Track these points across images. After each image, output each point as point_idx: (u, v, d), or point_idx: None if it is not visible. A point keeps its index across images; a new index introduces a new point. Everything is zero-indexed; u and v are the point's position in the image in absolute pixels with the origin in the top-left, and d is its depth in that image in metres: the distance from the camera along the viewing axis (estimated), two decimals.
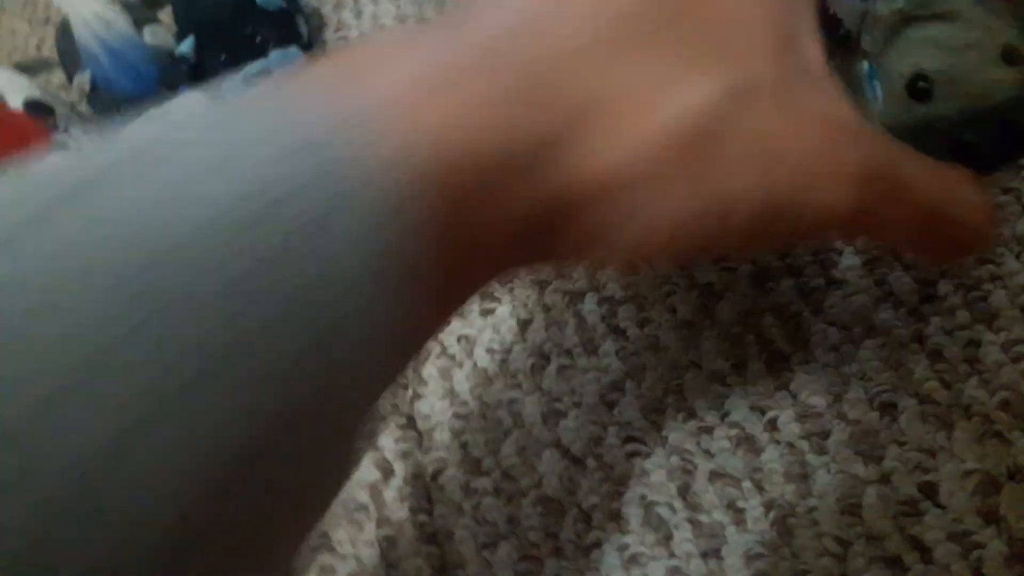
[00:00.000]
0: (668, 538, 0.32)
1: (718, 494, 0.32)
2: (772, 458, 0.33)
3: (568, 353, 0.38)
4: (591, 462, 0.34)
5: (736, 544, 0.31)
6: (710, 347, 0.36)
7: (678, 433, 0.34)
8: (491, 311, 0.40)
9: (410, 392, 0.39)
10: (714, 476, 0.33)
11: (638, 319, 0.37)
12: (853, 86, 0.25)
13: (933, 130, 0.24)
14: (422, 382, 0.39)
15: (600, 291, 0.39)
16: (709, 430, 0.34)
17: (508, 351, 0.39)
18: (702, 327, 0.36)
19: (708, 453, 0.33)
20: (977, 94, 0.24)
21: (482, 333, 0.40)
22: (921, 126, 0.24)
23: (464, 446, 0.37)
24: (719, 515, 0.32)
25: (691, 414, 0.34)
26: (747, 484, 0.32)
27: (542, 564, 0.33)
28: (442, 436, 0.37)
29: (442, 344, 0.40)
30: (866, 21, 0.25)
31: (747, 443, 0.33)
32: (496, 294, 0.41)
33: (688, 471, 0.33)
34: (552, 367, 0.37)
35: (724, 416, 0.34)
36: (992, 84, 0.24)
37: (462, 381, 0.38)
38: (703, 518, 0.32)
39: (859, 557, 0.29)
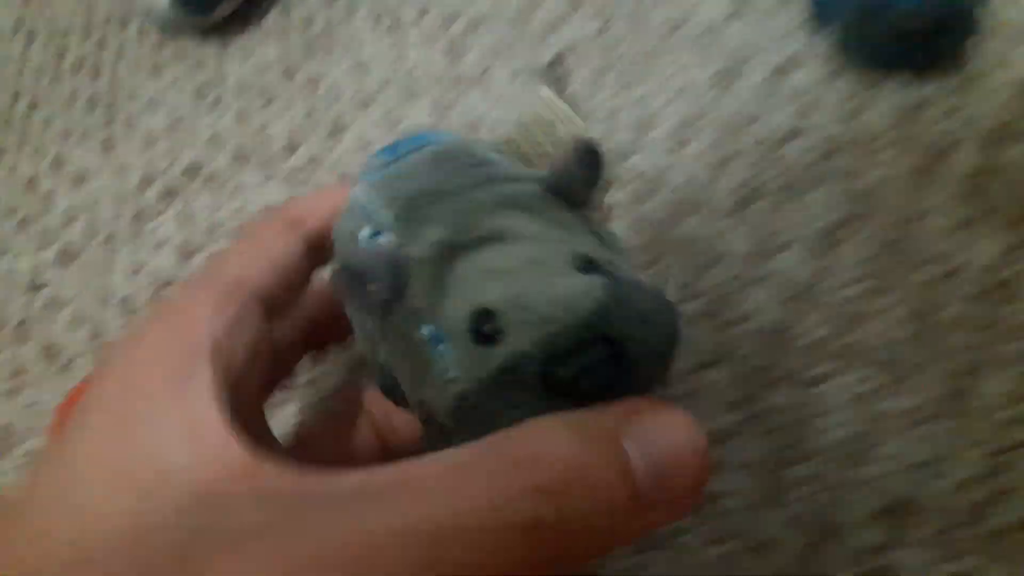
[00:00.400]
0: (903, 379, 0.30)
1: (959, 339, 0.30)
2: (1019, 310, 0.30)
3: (778, 192, 0.35)
4: (814, 298, 0.32)
5: (984, 392, 0.29)
6: (946, 197, 0.33)
7: (916, 275, 0.32)
8: (685, 143, 0.37)
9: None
10: (956, 322, 0.30)
11: (858, 165, 0.35)
12: (417, 363, 0.19)
13: (518, 379, 0.17)
14: (608, 209, 0.36)
15: (811, 134, 0.36)
16: (950, 275, 0.31)
17: (707, 185, 0.36)
18: (935, 176, 0.34)
19: (948, 298, 0.31)
20: (555, 317, 0.17)
21: (675, 166, 0.36)
22: (503, 379, 0.17)
23: (664, 271, 0.34)
24: (962, 359, 0.30)
25: (928, 259, 0.32)
26: (994, 331, 0.30)
27: (762, 391, 0.30)
28: (638, 259, 0.34)
29: (630, 173, 0.37)
30: (404, 270, 0.19)
31: (998, 290, 0.31)
32: (688, 129, 0.37)
33: (925, 314, 0.31)
34: (761, 205, 0.35)
35: (964, 264, 0.32)
36: (569, 298, 0.17)
37: (656, 209, 0.35)
38: (944, 361, 0.30)
39: None
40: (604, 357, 0.17)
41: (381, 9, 0.47)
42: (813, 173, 0.35)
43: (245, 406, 0.20)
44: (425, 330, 0.19)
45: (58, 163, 0.47)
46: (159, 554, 0.15)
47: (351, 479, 0.16)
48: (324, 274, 0.24)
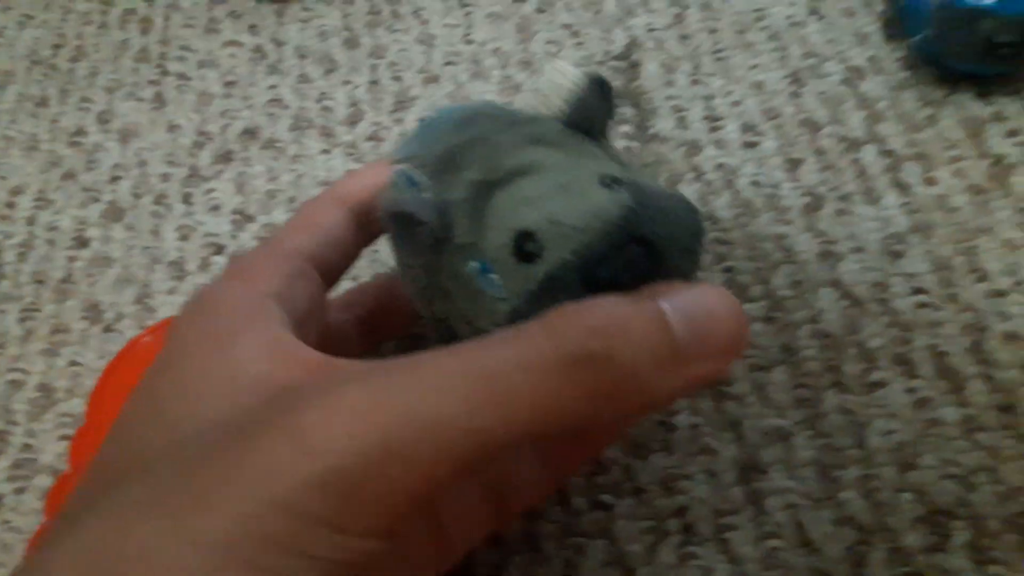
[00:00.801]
0: (960, 388, 0.34)
1: (1012, 355, 0.35)
2: None
3: (845, 199, 0.39)
4: (874, 307, 0.36)
5: None
6: (1004, 217, 0.38)
7: (970, 293, 0.36)
8: (754, 144, 0.42)
9: None
10: (1009, 338, 0.35)
11: (924, 177, 0.39)
12: (469, 296, 0.24)
13: (562, 287, 0.22)
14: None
15: (880, 144, 0.41)
16: (1003, 294, 0.36)
17: (776, 187, 0.40)
18: (994, 195, 0.38)
19: (1002, 315, 0.36)
20: (588, 226, 0.22)
21: (744, 165, 0.41)
22: (548, 289, 0.22)
23: (728, 271, 0.38)
24: (1014, 374, 0.34)
25: (983, 277, 0.36)
26: None
27: (821, 394, 0.35)
28: (703, 258, 0.39)
29: (697, 169, 0.41)
30: (447, 212, 0.24)
31: None
32: (759, 127, 0.42)
33: (980, 329, 0.35)
34: (827, 210, 0.39)
35: (1018, 283, 0.36)
36: (599, 209, 0.22)
37: (722, 208, 0.40)
38: (997, 374, 0.34)
39: None
40: (637, 255, 0.22)
41: None
42: (881, 182, 0.40)
43: None
44: (472, 264, 0.23)
45: (105, 117, 0.51)
46: (250, 421, 0.20)
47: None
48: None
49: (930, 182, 0.39)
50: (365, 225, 0.29)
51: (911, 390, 0.35)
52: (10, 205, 0.49)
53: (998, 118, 0.41)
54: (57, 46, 0.55)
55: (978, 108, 0.41)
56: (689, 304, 0.21)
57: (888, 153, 0.40)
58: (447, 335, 0.26)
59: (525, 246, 0.22)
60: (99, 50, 0.54)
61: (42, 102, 0.53)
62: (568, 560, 0.33)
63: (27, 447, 0.41)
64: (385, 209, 0.25)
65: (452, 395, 0.19)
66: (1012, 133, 0.40)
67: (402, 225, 0.24)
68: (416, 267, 0.26)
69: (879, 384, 0.35)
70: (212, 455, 0.20)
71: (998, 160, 0.39)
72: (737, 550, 0.33)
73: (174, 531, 0.19)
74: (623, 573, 0.33)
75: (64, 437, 0.41)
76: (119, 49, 0.54)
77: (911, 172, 0.39)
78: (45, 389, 0.43)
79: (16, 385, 0.43)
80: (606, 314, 0.20)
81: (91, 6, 0.56)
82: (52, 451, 0.41)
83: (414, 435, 0.19)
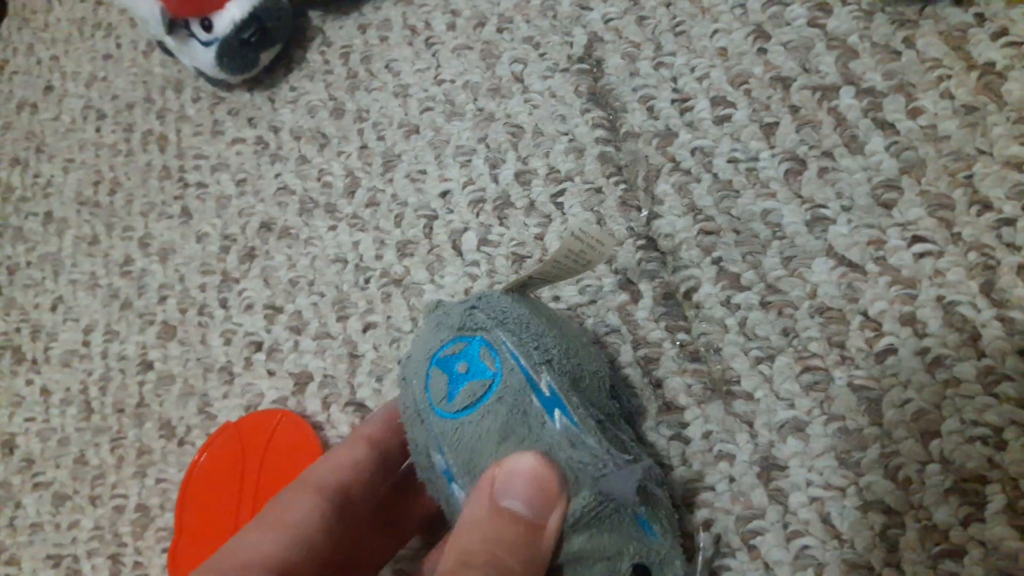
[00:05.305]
0: (975, 338, 0.32)
1: None
2: None
3: (828, 155, 0.37)
4: (872, 267, 0.34)
5: None
6: (1001, 132, 0.34)
7: (973, 228, 0.33)
8: (727, 118, 0.39)
9: (645, 213, 0.39)
10: (1023, 270, 0.32)
11: (908, 109, 0.36)
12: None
13: None
14: (657, 201, 0.39)
15: (857, 84, 0.38)
16: (1010, 222, 0.33)
17: (755, 159, 0.38)
18: (988, 111, 0.35)
19: (1012, 246, 0.32)
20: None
21: (719, 143, 0.39)
22: None
23: (717, 262, 0.37)
24: None
25: (986, 206, 0.33)
26: None
27: (829, 374, 0.33)
28: (690, 253, 0.37)
29: (674, 159, 0.39)
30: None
31: None
32: (729, 98, 0.40)
33: (990, 267, 0.32)
34: (811, 171, 0.37)
35: None
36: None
37: (703, 196, 0.38)
38: (1014, 314, 0.31)
39: None
40: None
41: (412, 23, 0.52)
42: (862, 127, 0.37)
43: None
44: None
45: (145, 241, 0.54)
46: None
47: None
48: None
49: (915, 113, 0.36)
50: (387, 459, 0.33)
51: (922, 351, 0.32)
52: (86, 344, 0.53)
53: (981, 21, 0.37)
54: (96, 183, 0.59)
55: (957, 15, 0.37)
56: (504, 469, 0.28)
57: (866, 92, 0.37)
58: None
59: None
60: (129, 177, 0.57)
61: (93, 239, 0.56)
62: None
63: (137, 565, 0.45)
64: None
65: None
66: (998, 35, 0.36)
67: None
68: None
69: (888, 351, 0.33)
70: None
71: (987, 69, 0.36)
72: (768, 555, 0.32)
73: None
74: None
75: (164, 550, 0.45)
76: (145, 172, 0.57)
77: (893, 107, 0.37)
78: (142, 509, 0.47)
79: (119, 510, 0.47)
80: (467, 537, 0.28)
81: (116, 136, 0.60)
82: (158, 564, 0.45)
83: None
